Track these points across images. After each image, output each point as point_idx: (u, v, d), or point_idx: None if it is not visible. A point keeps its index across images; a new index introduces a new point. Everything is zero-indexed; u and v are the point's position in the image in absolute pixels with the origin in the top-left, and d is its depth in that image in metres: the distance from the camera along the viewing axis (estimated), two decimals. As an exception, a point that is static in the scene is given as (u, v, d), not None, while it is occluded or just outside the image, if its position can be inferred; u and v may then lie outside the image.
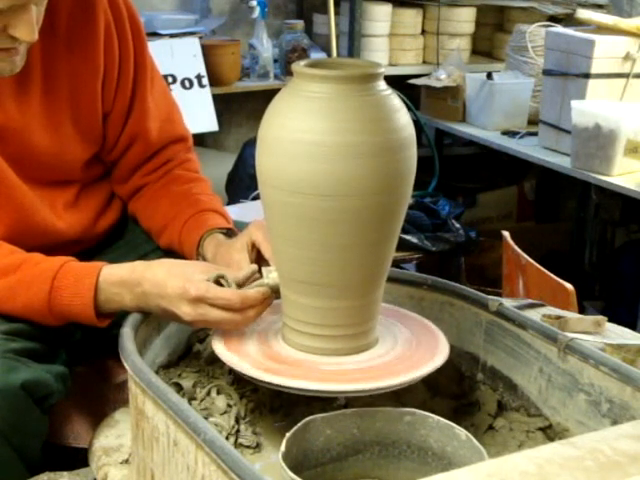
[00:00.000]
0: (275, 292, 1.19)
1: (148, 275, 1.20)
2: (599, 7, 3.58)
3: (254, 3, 3.29)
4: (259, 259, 1.29)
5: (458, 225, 2.86)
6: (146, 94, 1.47)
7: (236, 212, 2.23)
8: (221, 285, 1.19)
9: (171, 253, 1.46)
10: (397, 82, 3.04)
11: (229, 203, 2.89)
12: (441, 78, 3.31)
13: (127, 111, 1.46)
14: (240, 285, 1.20)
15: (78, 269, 1.24)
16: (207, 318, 1.17)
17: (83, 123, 1.41)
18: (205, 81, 3.18)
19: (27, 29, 1.18)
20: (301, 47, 3.38)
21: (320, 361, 1.14)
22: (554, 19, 3.49)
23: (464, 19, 3.59)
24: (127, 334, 1.13)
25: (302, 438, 1.01)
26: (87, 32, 1.38)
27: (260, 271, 1.23)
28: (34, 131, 1.35)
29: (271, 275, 1.19)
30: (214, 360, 1.25)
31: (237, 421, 1.17)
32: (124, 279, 1.22)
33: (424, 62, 3.65)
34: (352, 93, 1.06)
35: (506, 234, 2.20)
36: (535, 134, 3.05)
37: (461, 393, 1.28)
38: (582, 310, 2.45)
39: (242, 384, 1.21)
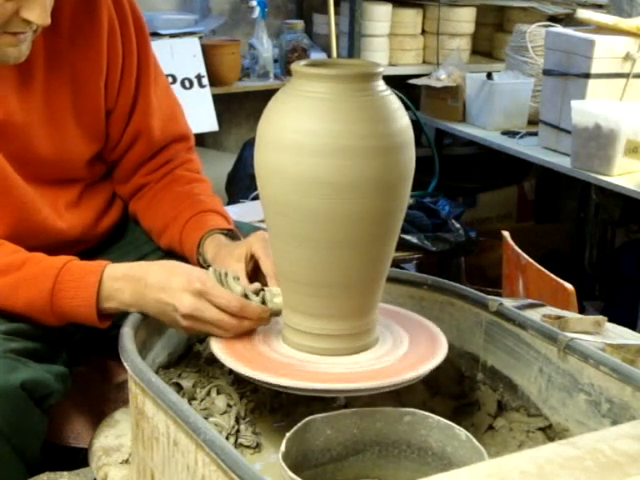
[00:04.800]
0: (275, 315, 1.19)
1: (152, 269, 1.22)
2: (599, 7, 3.58)
3: (254, 3, 3.29)
4: (256, 271, 1.29)
5: (458, 225, 2.86)
6: (149, 92, 1.47)
7: (236, 212, 2.23)
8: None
9: (172, 254, 1.46)
10: (397, 82, 3.04)
11: (229, 203, 2.89)
12: (441, 78, 3.31)
13: (130, 109, 1.46)
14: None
15: (81, 267, 1.24)
16: (204, 314, 1.16)
17: (86, 121, 1.41)
18: (205, 81, 3.18)
19: (40, 11, 1.20)
20: (301, 47, 3.38)
21: (320, 361, 1.14)
22: (554, 19, 3.49)
23: (464, 19, 3.59)
24: (127, 334, 1.13)
25: (302, 438, 1.01)
26: (90, 30, 1.38)
27: (263, 289, 1.22)
28: (36, 129, 1.35)
29: (275, 300, 1.19)
30: (214, 360, 1.25)
31: (237, 421, 1.17)
32: (127, 273, 1.23)
33: (424, 62, 3.64)
34: (350, 92, 1.06)
35: (506, 234, 2.20)
36: (535, 134, 3.05)
37: (461, 393, 1.28)
38: (582, 310, 2.44)
39: (242, 384, 1.21)
